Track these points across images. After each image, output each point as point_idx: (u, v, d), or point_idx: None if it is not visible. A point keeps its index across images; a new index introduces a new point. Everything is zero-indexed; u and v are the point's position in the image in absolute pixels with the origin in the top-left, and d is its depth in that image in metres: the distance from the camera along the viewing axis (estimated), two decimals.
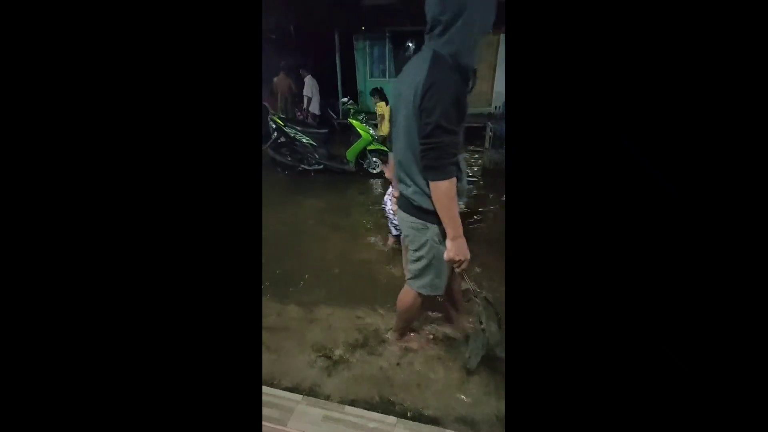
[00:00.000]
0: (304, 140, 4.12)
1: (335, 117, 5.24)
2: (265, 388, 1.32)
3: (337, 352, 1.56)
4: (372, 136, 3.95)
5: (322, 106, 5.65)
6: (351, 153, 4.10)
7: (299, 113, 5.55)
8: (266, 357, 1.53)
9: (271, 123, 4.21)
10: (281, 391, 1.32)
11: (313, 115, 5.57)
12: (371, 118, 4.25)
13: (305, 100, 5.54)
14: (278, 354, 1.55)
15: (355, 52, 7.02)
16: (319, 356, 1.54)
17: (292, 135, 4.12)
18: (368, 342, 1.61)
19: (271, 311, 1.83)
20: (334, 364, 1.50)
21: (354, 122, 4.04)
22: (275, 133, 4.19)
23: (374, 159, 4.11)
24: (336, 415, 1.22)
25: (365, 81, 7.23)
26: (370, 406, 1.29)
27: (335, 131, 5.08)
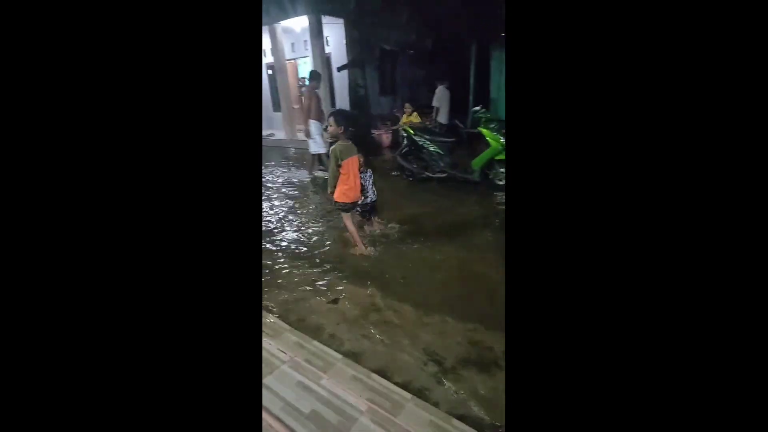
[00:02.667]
0: (431, 149, 4.23)
1: (462, 126, 5.22)
2: (378, 379, 1.41)
3: (449, 362, 1.54)
4: (502, 144, 3.76)
5: (451, 116, 5.71)
6: (477, 162, 3.99)
7: (428, 122, 5.75)
8: (382, 351, 1.63)
9: (402, 132, 4.48)
10: (393, 385, 1.38)
11: (441, 124, 5.68)
12: (503, 126, 4.05)
13: (434, 110, 5.69)
14: (392, 349, 1.63)
15: (490, 61, 6.84)
16: (431, 360, 1.55)
17: (420, 143, 4.28)
18: (481, 360, 1.54)
19: (388, 305, 1.95)
20: (444, 372, 1.48)
21: (484, 131, 3.93)
22: (405, 141, 4.44)
23: (501, 169, 3.90)
24: (444, 425, 1.21)
25: (499, 90, 6.95)
26: (478, 427, 1.22)
27: (462, 141, 5.05)
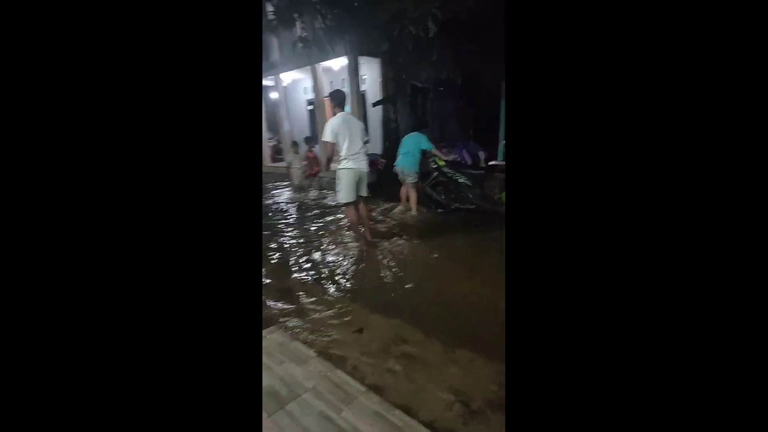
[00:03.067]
0: (461, 180, 4.25)
1: (478, 159, 5.30)
2: (402, 416, 1.36)
3: (476, 404, 1.46)
4: None
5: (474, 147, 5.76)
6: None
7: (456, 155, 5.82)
8: (406, 386, 1.59)
9: (432, 164, 4.56)
10: (417, 423, 1.33)
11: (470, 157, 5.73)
12: None
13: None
14: (417, 385, 1.58)
15: None
16: (458, 400, 1.48)
17: (450, 175, 4.32)
18: None
19: (413, 338, 1.90)
20: (472, 415, 1.41)
21: None
22: (435, 173, 4.50)
23: None
24: None
25: None
26: None
27: (493, 173, 5.06)
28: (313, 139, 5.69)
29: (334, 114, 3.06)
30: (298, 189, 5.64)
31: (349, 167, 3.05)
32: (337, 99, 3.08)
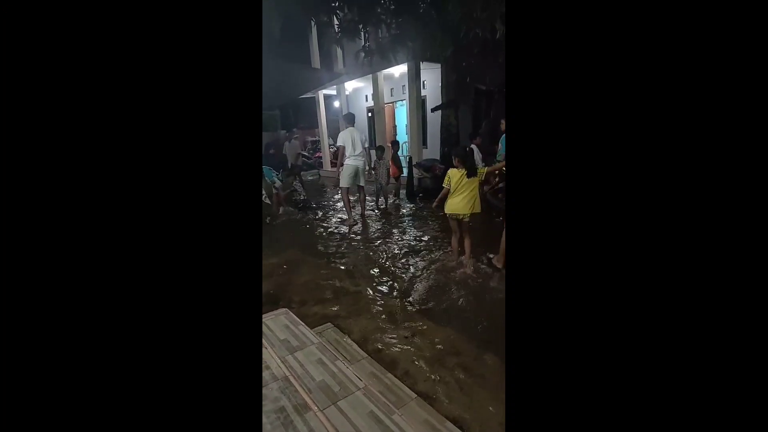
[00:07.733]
0: None
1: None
2: (453, 428, 1.30)
3: None
4: None
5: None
6: None
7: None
8: (458, 397, 1.52)
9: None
10: None
11: None
12: None
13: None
14: (470, 399, 1.51)
15: None
16: None
17: None
18: None
19: (467, 350, 1.82)
20: None
21: None
22: (497, 179, 4.29)
23: None
24: None
25: None
26: None
27: None
28: (396, 143, 5.97)
29: (346, 128, 4.49)
30: (378, 191, 5.61)
31: (351, 164, 4.45)
32: (348, 119, 4.53)
